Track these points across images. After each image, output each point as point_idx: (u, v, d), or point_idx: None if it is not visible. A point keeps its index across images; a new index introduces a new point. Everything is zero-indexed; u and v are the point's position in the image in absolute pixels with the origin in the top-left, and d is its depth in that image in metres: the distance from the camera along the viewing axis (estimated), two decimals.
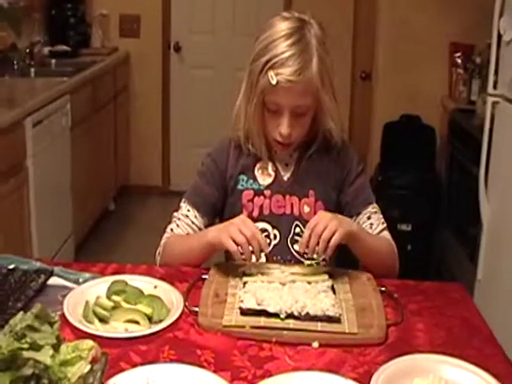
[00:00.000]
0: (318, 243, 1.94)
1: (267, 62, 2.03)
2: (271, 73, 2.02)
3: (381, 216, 2.27)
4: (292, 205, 2.23)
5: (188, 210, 2.25)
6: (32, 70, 5.24)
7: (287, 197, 2.23)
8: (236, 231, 1.96)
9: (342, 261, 2.21)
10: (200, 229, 2.24)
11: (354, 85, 6.23)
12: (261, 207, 2.22)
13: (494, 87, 3.50)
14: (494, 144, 3.52)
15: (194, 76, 6.56)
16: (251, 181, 2.24)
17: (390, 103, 5.43)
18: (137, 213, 6.21)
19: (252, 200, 2.23)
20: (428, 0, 5.26)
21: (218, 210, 2.30)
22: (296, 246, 2.20)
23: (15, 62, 5.07)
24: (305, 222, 2.19)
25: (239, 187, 2.25)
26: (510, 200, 3.33)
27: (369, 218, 2.24)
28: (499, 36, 3.44)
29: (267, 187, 2.23)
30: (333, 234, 1.93)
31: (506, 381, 1.54)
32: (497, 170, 3.51)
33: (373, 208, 2.26)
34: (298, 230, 2.22)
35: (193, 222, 2.24)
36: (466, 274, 4.02)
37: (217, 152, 2.30)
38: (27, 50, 5.32)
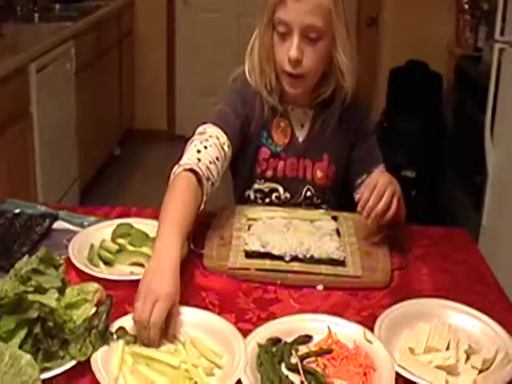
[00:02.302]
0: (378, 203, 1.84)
1: None
2: None
3: None
4: (305, 168, 2.17)
5: (217, 138, 1.99)
6: (36, 15, 5.18)
7: (301, 160, 2.17)
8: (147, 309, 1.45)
9: (343, 205, 2.20)
10: (224, 162, 1.99)
11: (360, 30, 6.18)
12: (275, 169, 2.16)
13: (502, 33, 3.45)
14: (500, 91, 3.49)
15: (200, 20, 6.46)
16: (270, 140, 2.15)
17: (397, 48, 5.39)
18: (142, 157, 6.20)
19: (267, 160, 2.15)
20: None
21: (236, 149, 2.09)
22: None
23: (19, 8, 5.03)
24: (316, 187, 2.19)
25: (258, 143, 2.15)
26: None
27: None
28: None
29: (283, 149, 2.16)
30: (391, 201, 1.85)
31: (509, 327, 1.54)
32: (503, 118, 3.49)
33: (383, 168, 2.17)
34: (309, 193, 2.19)
35: (222, 148, 1.99)
36: (470, 221, 4.02)
37: (244, 90, 2.13)
38: None
